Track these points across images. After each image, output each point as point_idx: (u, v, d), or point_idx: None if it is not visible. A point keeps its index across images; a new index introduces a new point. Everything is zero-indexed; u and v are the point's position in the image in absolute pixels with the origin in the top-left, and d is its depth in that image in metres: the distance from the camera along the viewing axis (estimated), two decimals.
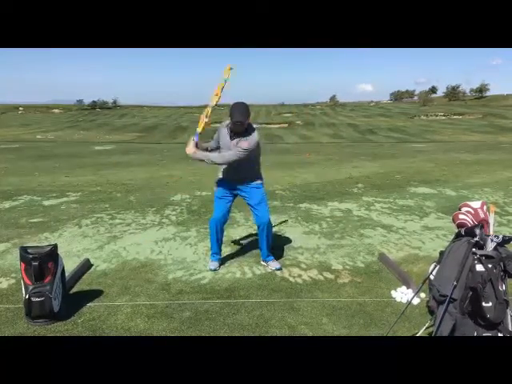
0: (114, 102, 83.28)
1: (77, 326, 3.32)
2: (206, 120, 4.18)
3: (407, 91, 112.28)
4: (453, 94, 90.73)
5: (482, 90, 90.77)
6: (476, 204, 3.10)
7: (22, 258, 3.36)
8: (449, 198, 7.85)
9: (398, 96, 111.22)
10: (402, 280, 4.05)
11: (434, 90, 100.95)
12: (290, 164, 13.38)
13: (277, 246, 4.91)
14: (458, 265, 2.74)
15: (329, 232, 5.75)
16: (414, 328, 3.19)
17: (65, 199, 7.93)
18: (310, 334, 3.18)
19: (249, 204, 4.42)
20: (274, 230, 5.22)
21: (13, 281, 4.15)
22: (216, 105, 4.22)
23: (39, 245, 3.96)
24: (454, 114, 55.67)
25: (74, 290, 3.96)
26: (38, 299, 3.30)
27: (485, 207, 3.09)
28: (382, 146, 22.85)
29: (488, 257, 2.72)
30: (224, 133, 4.20)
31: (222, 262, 4.58)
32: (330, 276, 4.29)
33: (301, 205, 7.38)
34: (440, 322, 2.73)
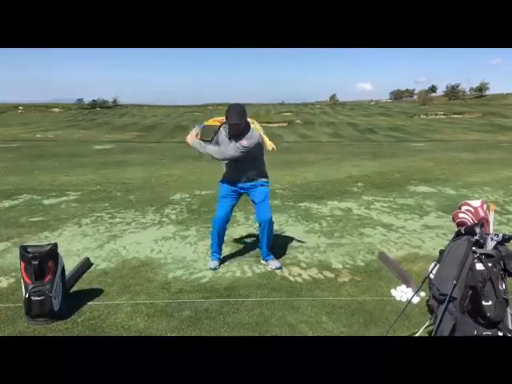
0: (114, 101, 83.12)
1: (77, 324, 3.33)
2: (218, 123, 4.29)
3: (407, 90, 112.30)
4: (452, 93, 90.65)
5: (481, 89, 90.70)
6: (476, 203, 3.10)
7: (22, 257, 3.36)
8: (449, 197, 7.85)
9: (397, 95, 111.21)
10: (402, 279, 4.06)
11: (433, 89, 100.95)
12: (290, 163, 13.37)
13: (277, 245, 4.91)
14: (457, 264, 2.75)
15: (329, 231, 5.75)
16: (414, 327, 3.19)
17: (65, 198, 7.93)
18: (310, 333, 3.18)
19: (253, 201, 4.43)
20: (274, 228, 5.23)
21: (13, 280, 4.16)
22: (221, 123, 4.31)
23: (39, 244, 3.97)
24: (454, 113, 55.62)
25: (74, 288, 3.96)
26: (37, 298, 3.31)
27: (485, 206, 3.09)
28: (382, 145, 22.83)
29: (488, 255, 2.73)
30: (223, 134, 4.22)
31: (222, 260, 4.59)
32: (329, 275, 4.29)
33: (301, 204, 7.38)
34: (440, 321, 2.73)
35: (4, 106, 73.89)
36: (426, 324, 3.05)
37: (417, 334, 3.02)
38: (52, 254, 3.44)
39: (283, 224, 6.07)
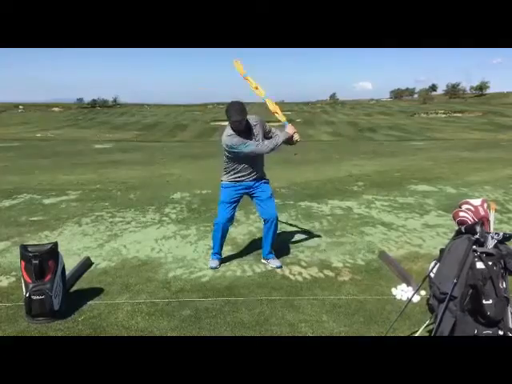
0: (115, 100, 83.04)
1: (77, 324, 3.33)
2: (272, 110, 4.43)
3: (407, 89, 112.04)
4: (453, 91, 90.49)
5: (482, 87, 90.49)
6: (476, 201, 3.10)
7: (23, 257, 3.36)
8: (449, 196, 7.85)
9: (397, 94, 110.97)
10: (402, 278, 4.06)
11: (433, 87, 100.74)
12: (290, 162, 13.36)
13: (277, 244, 4.91)
14: (458, 262, 2.75)
15: (329, 230, 5.75)
16: (415, 326, 3.20)
17: (65, 197, 7.93)
18: (310, 332, 3.18)
19: (258, 199, 4.38)
20: None
21: (13, 279, 4.16)
22: (264, 95, 4.46)
23: (39, 243, 3.97)
24: (454, 112, 55.54)
25: (75, 288, 3.97)
26: (38, 297, 3.31)
27: (485, 205, 3.09)
28: (382, 144, 22.82)
29: (488, 254, 2.73)
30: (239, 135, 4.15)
31: (223, 260, 4.59)
32: (330, 274, 4.30)
33: (301, 203, 7.38)
34: (440, 320, 2.73)
35: (4, 105, 73.82)
36: (427, 323, 3.06)
37: (417, 333, 3.02)
38: (52, 253, 3.44)
39: (283, 223, 6.07)
